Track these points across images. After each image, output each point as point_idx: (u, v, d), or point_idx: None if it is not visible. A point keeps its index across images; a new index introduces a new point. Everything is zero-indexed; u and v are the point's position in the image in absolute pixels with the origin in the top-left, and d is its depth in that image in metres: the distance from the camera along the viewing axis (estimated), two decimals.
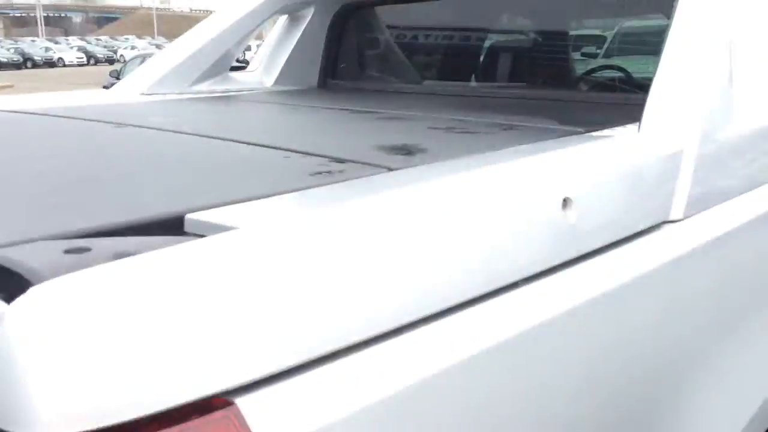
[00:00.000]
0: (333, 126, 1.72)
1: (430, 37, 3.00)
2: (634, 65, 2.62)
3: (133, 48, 52.26)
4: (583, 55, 3.00)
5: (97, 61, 50.25)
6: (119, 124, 1.54)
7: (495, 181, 0.94)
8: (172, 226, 0.78)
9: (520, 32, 2.87)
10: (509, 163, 1.03)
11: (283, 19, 2.68)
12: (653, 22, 2.56)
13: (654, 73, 1.26)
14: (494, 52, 2.85)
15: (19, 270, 0.61)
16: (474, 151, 1.14)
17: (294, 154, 1.18)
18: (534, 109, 1.89)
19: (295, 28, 2.65)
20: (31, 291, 0.55)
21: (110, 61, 48.99)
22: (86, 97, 2.25)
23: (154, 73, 2.30)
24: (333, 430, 0.62)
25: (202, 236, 0.71)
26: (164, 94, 2.24)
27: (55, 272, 0.58)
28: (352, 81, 2.73)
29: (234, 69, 2.57)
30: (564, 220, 0.89)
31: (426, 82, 2.84)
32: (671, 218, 1.09)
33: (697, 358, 1.09)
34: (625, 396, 0.98)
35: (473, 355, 0.75)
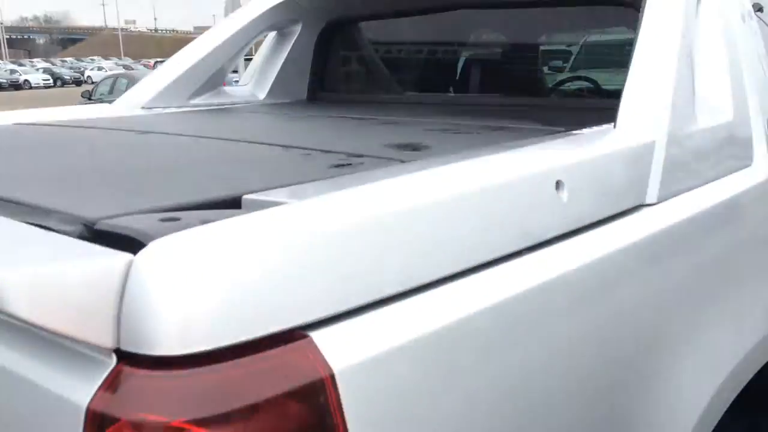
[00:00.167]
0: (338, 130, 1.85)
1: (411, 51, 3.16)
2: (602, 76, 2.83)
3: (99, 69, 51.87)
4: (551, 69, 3.26)
5: (64, 83, 49.71)
6: (142, 132, 1.67)
7: (499, 167, 1.09)
8: (232, 205, 0.92)
9: (497, 45, 3.04)
10: (509, 153, 1.18)
11: (272, 35, 2.81)
12: (618, 36, 2.76)
13: (623, 80, 1.43)
14: (472, 65, 3.01)
15: (129, 233, 0.75)
16: (474, 146, 1.28)
17: (313, 151, 1.32)
18: (517, 114, 2.06)
19: (284, 45, 2.77)
20: (152, 244, 0.68)
21: (77, 82, 48.49)
22: (92, 111, 2.36)
23: (152, 89, 2.42)
24: (387, 358, 0.76)
25: None
26: (164, 107, 2.36)
27: (160, 234, 0.71)
28: (340, 93, 2.88)
29: None
30: (558, 199, 1.05)
31: (408, 93, 2.99)
32: (647, 202, 1.26)
33: (674, 319, 1.24)
34: (612, 361, 1.12)
35: (488, 306, 0.89)
